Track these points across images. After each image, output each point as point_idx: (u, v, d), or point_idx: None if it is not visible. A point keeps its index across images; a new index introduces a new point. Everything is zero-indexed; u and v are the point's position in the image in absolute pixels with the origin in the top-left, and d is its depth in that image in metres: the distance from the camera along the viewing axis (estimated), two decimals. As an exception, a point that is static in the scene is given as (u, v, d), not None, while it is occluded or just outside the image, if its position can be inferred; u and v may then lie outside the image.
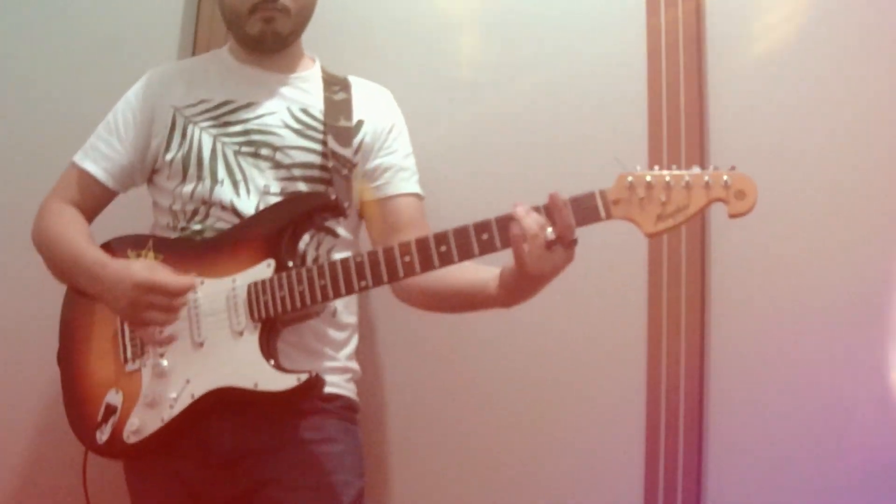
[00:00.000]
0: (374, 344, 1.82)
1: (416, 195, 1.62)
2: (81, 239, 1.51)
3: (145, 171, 1.60)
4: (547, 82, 1.80)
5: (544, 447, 1.72)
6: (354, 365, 1.60)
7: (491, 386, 1.76)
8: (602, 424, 1.69)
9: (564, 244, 1.24)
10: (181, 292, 1.41)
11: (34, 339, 1.76)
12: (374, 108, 1.63)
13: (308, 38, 1.66)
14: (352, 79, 1.66)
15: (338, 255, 1.52)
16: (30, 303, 1.88)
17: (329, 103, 1.59)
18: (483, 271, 1.41)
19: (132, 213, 1.66)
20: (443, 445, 1.78)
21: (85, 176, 1.57)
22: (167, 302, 1.41)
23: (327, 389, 1.46)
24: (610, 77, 1.76)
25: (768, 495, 1.59)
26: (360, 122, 1.60)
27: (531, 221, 1.23)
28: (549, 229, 1.22)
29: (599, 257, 1.64)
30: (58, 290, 1.58)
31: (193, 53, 2.04)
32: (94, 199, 1.59)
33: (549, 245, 1.23)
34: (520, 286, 1.33)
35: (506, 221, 1.26)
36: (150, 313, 1.41)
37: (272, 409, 1.42)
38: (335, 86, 1.63)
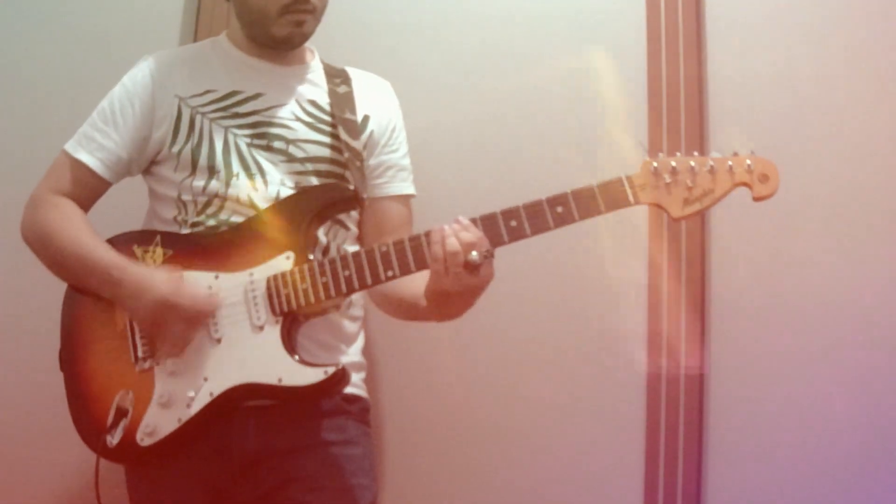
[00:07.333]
0: (371, 346, 1.82)
1: (411, 196, 1.61)
2: (88, 237, 1.44)
3: (143, 162, 1.52)
4: (545, 81, 1.79)
5: (544, 447, 1.72)
6: (364, 360, 1.57)
7: (489, 386, 1.75)
8: (602, 425, 1.69)
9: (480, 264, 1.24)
10: (204, 315, 1.37)
11: (35, 341, 1.74)
12: (377, 103, 1.60)
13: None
14: (350, 70, 1.63)
15: (350, 248, 1.50)
16: (29, 303, 1.88)
17: (334, 96, 1.56)
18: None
19: (122, 203, 1.60)
20: (439, 446, 1.78)
21: (80, 167, 1.48)
22: (188, 320, 1.36)
23: (349, 390, 1.44)
24: (609, 77, 1.75)
25: (768, 495, 1.59)
26: (366, 118, 1.57)
27: (453, 241, 1.23)
28: (475, 252, 1.22)
29: (599, 258, 1.64)
30: (58, 290, 1.54)
31: (194, 44, 2.03)
32: (89, 191, 1.51)
33: (470, 267, 1.22)
34: (443, 302, 1.31)
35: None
36: (170, 329, 1.36)
37: (296, 405, 1.39)
38: (336, 78, 1.59)
